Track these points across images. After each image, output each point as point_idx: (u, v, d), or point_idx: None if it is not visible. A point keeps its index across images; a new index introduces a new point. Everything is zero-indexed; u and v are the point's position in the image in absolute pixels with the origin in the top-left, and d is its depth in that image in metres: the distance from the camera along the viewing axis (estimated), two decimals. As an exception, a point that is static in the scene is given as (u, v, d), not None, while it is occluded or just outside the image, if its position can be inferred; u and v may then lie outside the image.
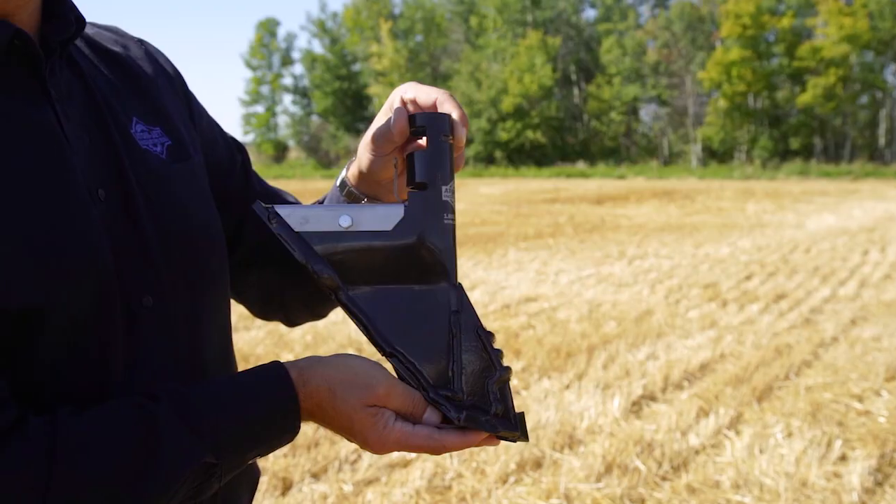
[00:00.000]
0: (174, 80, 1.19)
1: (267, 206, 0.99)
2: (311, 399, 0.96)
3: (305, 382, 0.96)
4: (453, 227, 1.02)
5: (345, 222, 0.99)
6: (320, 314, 1.34)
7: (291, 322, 1.37)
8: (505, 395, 1.00)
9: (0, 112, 0.90)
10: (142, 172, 1.02)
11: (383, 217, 1.00)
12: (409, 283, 1.00)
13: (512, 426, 0.99)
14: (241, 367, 1.21)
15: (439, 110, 1.05)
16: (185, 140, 1.12)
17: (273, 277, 1.29)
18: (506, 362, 1.02)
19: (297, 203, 1.26)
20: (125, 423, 0.87)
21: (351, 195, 1.18)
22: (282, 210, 0.99)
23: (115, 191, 0.98)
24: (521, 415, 1.01)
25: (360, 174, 1.15)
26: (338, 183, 1.20)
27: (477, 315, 1.02)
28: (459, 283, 1.02)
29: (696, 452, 4.25)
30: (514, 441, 1.01)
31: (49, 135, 0.93)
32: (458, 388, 0.98)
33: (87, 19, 1.05)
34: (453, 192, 1.02)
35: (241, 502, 1.16)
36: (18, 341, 0.86)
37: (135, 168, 1.01)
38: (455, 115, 1.04)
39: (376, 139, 1.09)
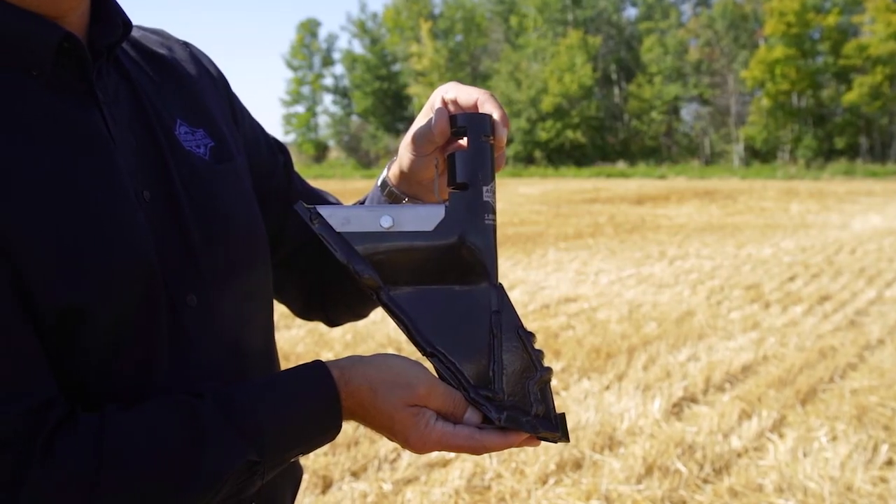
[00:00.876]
0: (217, 82, 1.20)
1: (309, 206, 1.00)
2: (353, 398, 0.97)
3: (347, 382, 0.97)
4: (494, 227, 1.02)
5: (386, 223, 0.99)
6: (361, 314, 1.35)
7: (332, 322, 1.38)
8: (546, 395, 1.00)
9: (50, 114, 0.92)
10: (186, 174, 1.03)
11: (424, 217, 1.00)
12: (449, 284, 1.00)
13: (553, 427, 0.99)
14: (282, 365, 1.22)
15: (480, 110, 1.05)
16: (228, 141, 1.13)
17: (314, 277, 1.30)
18: (545, 362, 1.02)
19: (338, 203, 1.27)
20: (171, 420, 0.88)
21: (392, 195, 1.18)
22: (323, 210, 0.99)
23: (159, 192, 1.00)
24: (562, 415, 1.01)
25: (401, 174, 1.16)
26: (379, 183, 1.20)
27: (518, 315, 1.01)
28: (500, 284, 1.02)
29: (739, 455, 4.20)
30: (555, 442, 1.00)
31: (97, 137, 0.95)
32: (499, 388, 0.98)
33: (132, 22, 1.07)
34: (494, 193, 1.02)
35: (284, 500, 1.16)
36: (65, 339, 0.88)
37: (179, 169, 1.03)
38: (496, 115, 1.04)
39: (417, 139, 1.09)
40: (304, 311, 1.37)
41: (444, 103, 1.09)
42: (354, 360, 1.00)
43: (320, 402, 0.95)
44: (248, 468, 0.91)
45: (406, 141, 1.13)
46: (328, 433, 0.97)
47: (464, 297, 1.00)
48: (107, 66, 1.01)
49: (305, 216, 0.99)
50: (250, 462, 0.90)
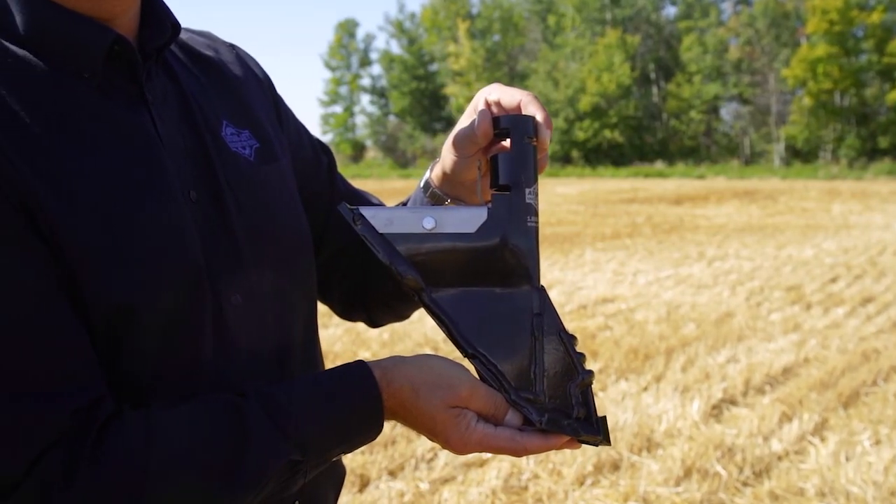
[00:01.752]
0: (263, 84, 1.22)
1: (352, 207, 1.00)
2: (395, 398, 0.97)
3: (389, 382, 0.97)
4: (536, 229, 1.01)
5: (428, 224, 0.99)
6: (403, 315, 1.35)
7: (374, 323, 1.38)
8: (587, 398, 0.99)
9: (101, 116, 0.93)
10: (232, 174, 1.04)
11: (467, 219, 1.00)
12: (491, 286, 1.00)
13: (594, 430, 0.99)
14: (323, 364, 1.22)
15: (523, 112, 1.05)
16: (273, 142, 1.14)
17: (356, 278, 1.30)
18: (585, 365, 1.01)
19: (380, 205, 1.27)
20: (216, 419, 0.89)
21: (434, 196, 1.18)
22: (366, 212, 0.99)
23: (206, 192, 1.01)
24: (603, 419, 1.00)
25: (444, 175, 1.16)
26: (421, 184, 1.21)
27: (559, 318, 1.01)
28: (542, 286, 1.01)
29: (779, 458, 4.15)
30: (596, 445, 1.00)
31: (146, 137, 0.96)
32: (540, 390, 0.98)
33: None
34: (537, 195, 1.01)
35: (326, 499, 1.17)
36: (114, 338, 0.89)
37: (225, 170, 1.04)
38: (539, 117, 1.04)
39: (460, 141, 1.09)
40: (346, 311, 1.38)
41: (487, 105, 1.08)
42: (396, 361, 1.00)
43: (362, 401, 0.96)
44: (291, 467, 0.92)
45: (449, 143, 1.13)
46: (370, 433, 0.98)
47: (505, 299, 1.00)
48: (155, 67, 1.03)
49: (349, 217, 0.99)
50: (293, 461, 0.91)
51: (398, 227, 0.99)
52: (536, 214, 1.01)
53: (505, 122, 1.02)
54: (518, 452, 0.99)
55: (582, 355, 1.00)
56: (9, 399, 0.80)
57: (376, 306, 1.33)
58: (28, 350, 0.82)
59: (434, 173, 1.18)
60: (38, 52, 0.91)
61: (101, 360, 0.88)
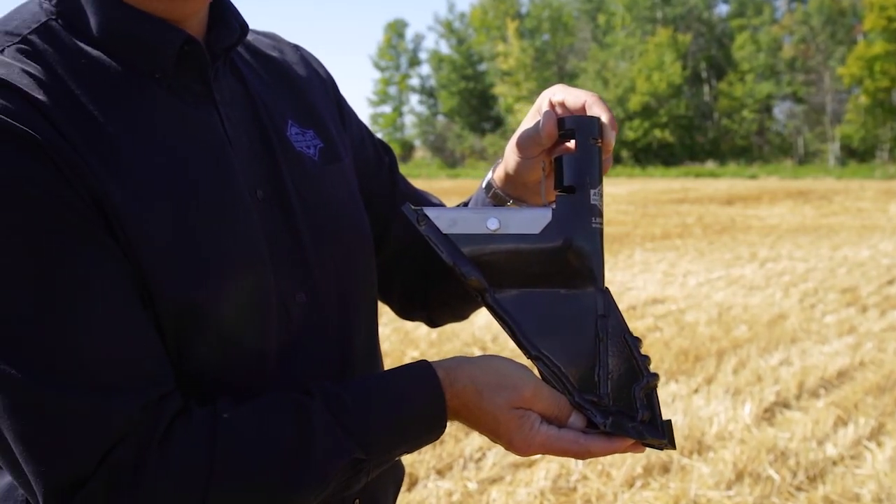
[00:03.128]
0: (326, 84, 1.23)
1: (416, 208, 1.00)
2: (458, 398, 0.97)
3: (452, 382, 0.97)
4: (601, 230, 1.01)
5: (492, 225, 0.99)
6: (463, 315, 1.35)
7: (433, 322, 1.38)
8: (652, 401, 0.98)
9: (172, 115, 0.95)
10: (296, 174, 1.06)
11: (531, 220, 0.99)
12: (555, 287, 0.99)
13: (659, 433, 0.98)
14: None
15: (588, 113, 1.04)
16: (336, 142, 1.15)
17: (417, 278, 1.31)
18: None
19: (442, 205, 1.27)
20: (281, 416, 0.90)
21: (497, 197, 1.18)
22: (430, 212, 0.99)
23: (271, 191, 1.02)
24: (669, 422, 0.99)
25: (507, 176, 1.16)
26: (483, 185, 1.21)
27: (624, 320, 1.00)
28: (606, 288, 1.00)
29: (834, 463, 4.07)
30: (661, 448, 0.99)
31: (214, 137, 0.98)
32: (604, 392, 0.97)
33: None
34: (601, 196, 1.01)
35: (387, 497, 1.18)
36: (179, 334, 0.90)
37: (290, 169, 1.05)
38: (604, 118, 1.03)
39: (524, 142, 1.09)
40: (406, 311, 1.38)
41: (552, 106, 1.08)
42: (460, 361, 1.00)
43: (426, 401, 0.96)
44: (354, 466, 0.92)
45: (512, 144, 1.13)
46: (433, 433, 0.98)
47: (569, 301, 0.99)
48: (223, 67, 1.04)
49: (413, 218, 0.99)
50: (356, 460, 0.92)
51: (462, 227, 0.99)
52: (601, 215, 1.00)
53: (570, 123, 1.02)
54: (582, 455, 0.99)
55: (647, 358, 1.00)
56: (81, 393, 0.82)
57: (437, 306, 1.34)
58: (99, 344, 0.84)
59: (496, 174, 1.18)
60: (112, 53, 0.93)
61: (170, 356, 0.90)
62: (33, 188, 0.81)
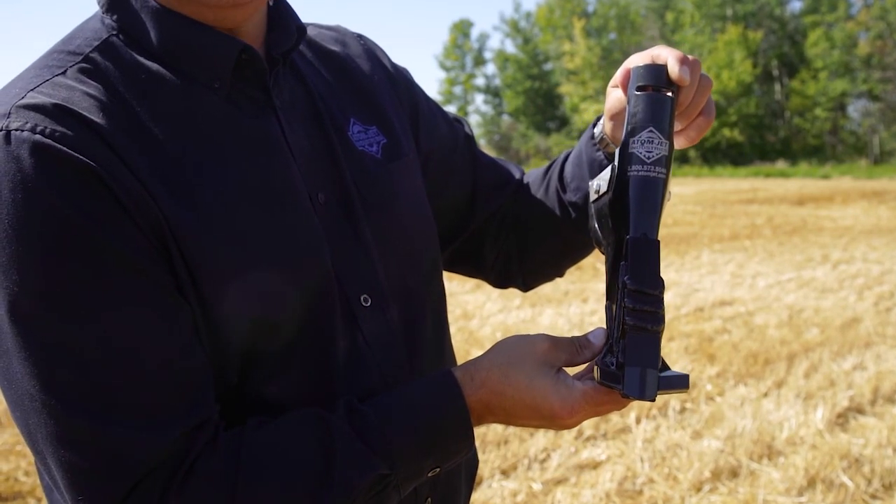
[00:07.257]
0: (391, 74, 1.22)
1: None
2: (484, 388, 0.95)
3: (473, 376, 0.96)
4: (639, 178, 0.96)
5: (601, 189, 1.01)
6: (560, 271, 1.36)
7: (528, 286, 1.38)
8: (631, 348, 0.89)
9: (231, 125, 0.96)
10: (358, 174, 1.05)
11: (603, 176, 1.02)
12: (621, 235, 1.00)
13: (618, 381, 0.89)
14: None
15: (656, 62, 1.02)
16: (400, 137, 1.15)
17: (510, 244, 1.31)
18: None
19: (522, 172, 1.35)
20: (304, 436, 0.90)
21: (609, 148, 1.19)
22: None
23: (333, 193, 1.02)
24: (646, 372, 0.88)
25: (605, 137, 1.19)
26: (595, 139, 1.20)
27: (637, 268, 0.97)
28: (629, 237, 0.96)
29: (910, 471, 3.95)
30: (625, 397, 0.90)
31: (274, 144, 0.98)
32: (613, 338, 0.94)
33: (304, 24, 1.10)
34: (653, 142, 0.96)
35: (459, 494, 1.17)
36: (244, 349, 0.91)
37: (352, 170, 1.05)
38: (671, 61, 1.00)
39: (610, 104, 1.13)
40: (501, 278, 1.38)
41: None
42: (475, 359, 0.99)
43: (444, 405, 0.95)
44: (380, 480, 0.91)
45: (605, 107, 1.16)
46: (458, 436, 0.96)
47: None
48: (283, 71, 1.04)
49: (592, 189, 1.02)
50: (381, 475, 0.91)
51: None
52: (645, 162, 0.96)
53: (633, 73, 1.02)
54: (622, 403, 0.94)
55: (653, 306, 0.93)
56: (115, 424, 0.83)
57: (534, 266, 1.33)
58: (141, 378, 0.84)
59: (600, 129, 1.20)
60: (170, 65, 0.94)
61: (231, 373, 0.90)
62: (89, 221, 0.82)
